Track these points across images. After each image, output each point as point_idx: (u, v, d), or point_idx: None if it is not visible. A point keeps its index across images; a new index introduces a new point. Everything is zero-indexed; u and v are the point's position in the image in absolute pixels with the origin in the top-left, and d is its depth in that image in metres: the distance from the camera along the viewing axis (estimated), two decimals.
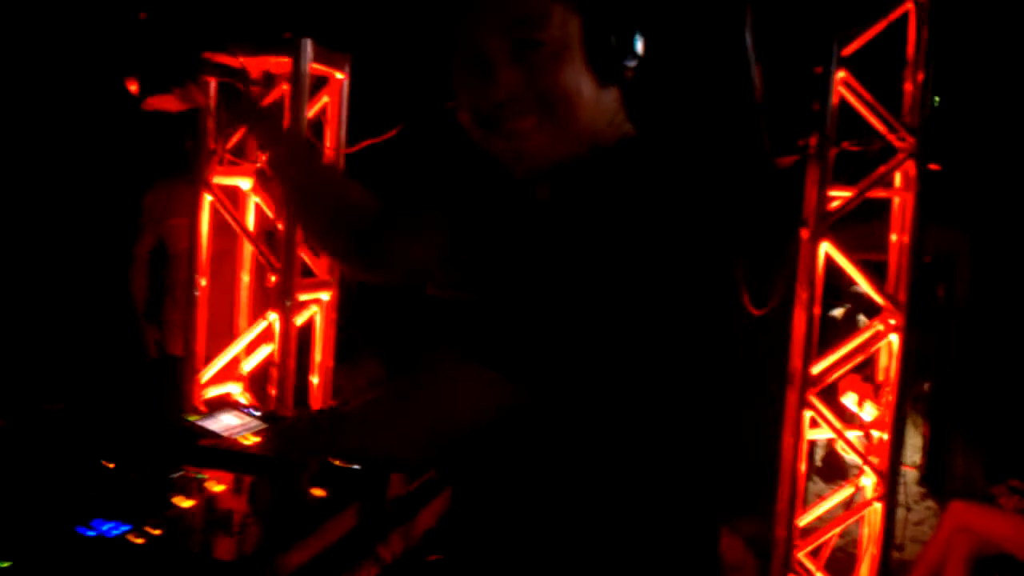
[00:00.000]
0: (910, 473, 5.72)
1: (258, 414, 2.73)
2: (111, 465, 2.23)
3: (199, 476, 2.21)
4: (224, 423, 2.63)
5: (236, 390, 4.20)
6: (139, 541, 1.80)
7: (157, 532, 1.85)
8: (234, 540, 1.88)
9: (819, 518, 4.47)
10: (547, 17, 1.64)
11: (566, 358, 1.53)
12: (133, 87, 3.67)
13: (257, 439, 2.50)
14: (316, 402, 4.23)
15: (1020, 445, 5.28)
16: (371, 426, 1.71)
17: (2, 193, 4.25)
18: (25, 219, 4.26)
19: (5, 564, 1.65)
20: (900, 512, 4.59)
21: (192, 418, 2.62)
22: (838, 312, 6.43)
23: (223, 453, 2.39)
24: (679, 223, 1.60)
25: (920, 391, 6.23)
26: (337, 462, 2.26)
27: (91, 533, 1.82)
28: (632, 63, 1.71)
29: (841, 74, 4.12)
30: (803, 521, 4.36)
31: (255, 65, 3.97)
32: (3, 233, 4.27)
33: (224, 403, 3.08)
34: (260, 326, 4.03)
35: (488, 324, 1.55)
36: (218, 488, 2.14)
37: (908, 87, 4.23)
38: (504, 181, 1.79)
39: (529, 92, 1.66)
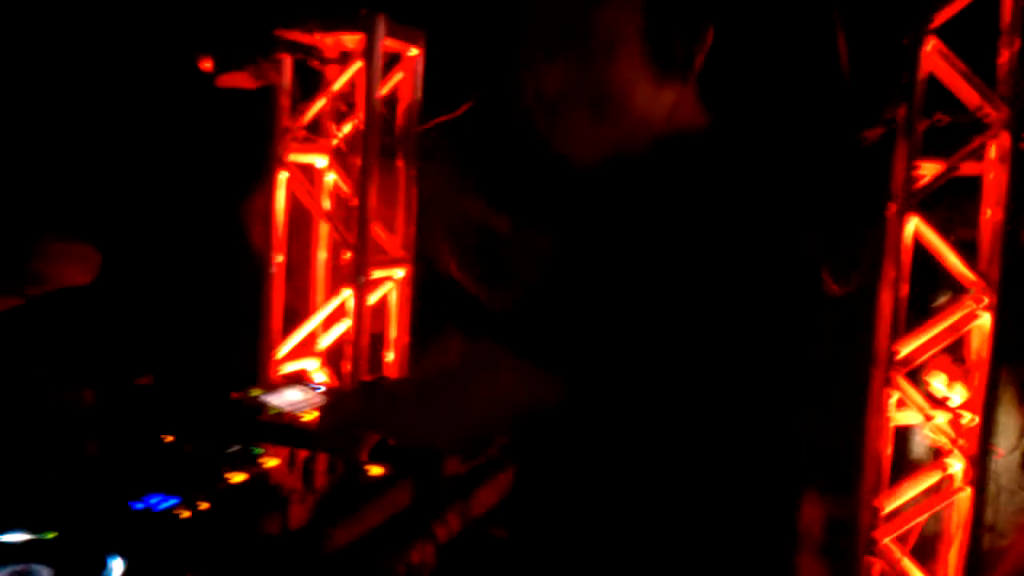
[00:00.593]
0: (1012, 457, 5.52)
1: (323, 389, 2.74)
2: (169, 439, 2.25)
3: (255, 450, 2.21)
4: (287, 398, 2.64)
5: (313, 366, 4.23)
6: (186, 515, 1.81)
7: (205, 506, 1.85)
8: (282, 515, 1.88)
9: (908, 502, 4.33)
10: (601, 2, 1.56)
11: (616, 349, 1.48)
12: (207, 64, 3.72)
13: (315, 414, 2.51)
14: (391, 376, 4.24)
15: None
16: (409, 413, 1.69)
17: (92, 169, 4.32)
18: (120, 190, 4.32)
19: (51, 535, 1.67)
20: (1003, 496, 4.43)
21: (255, 393, 2.64)
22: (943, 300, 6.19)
23: (279, 428, 2.40)
24: (750, 220, 1.54)
25: (1018, 374, 6.01)
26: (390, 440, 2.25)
27: (140, 506, 1.83)
28: (699, 54, 1.62)
29: (931, 44, 3.95)
30: (890, 506, 4.23)
31: (329, 42, 3.98)
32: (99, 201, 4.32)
33: (293, 379, 3.10)
34: (334, 302, 4.05)
35: (533, 319, 1.52)
36: (272, 463, 2.14)
37: (1003, 57, 4.03)
38: (561, 170, 1.73)
39: (579, 87, 1.59)
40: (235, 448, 2.22)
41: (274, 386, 2.74)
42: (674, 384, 1.56)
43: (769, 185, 1.64)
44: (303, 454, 2.24)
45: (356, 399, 1.89)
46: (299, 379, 3.06)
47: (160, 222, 4.52)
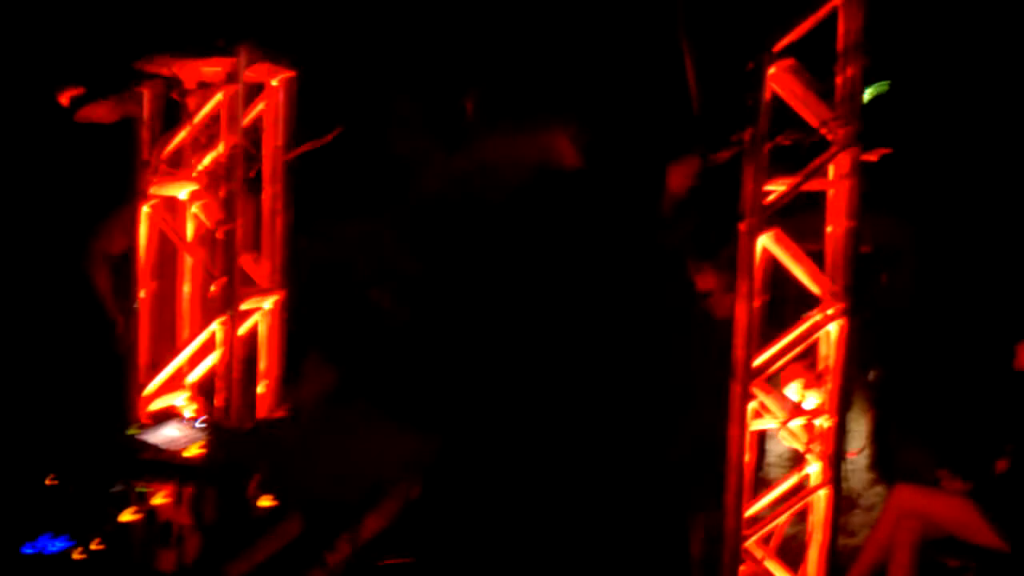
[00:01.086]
0: (860, 460, 5.80)
1: (201, 426, 2.72)
2: (53, 481, 2.21)
3: (140, 489, 2.20)
4: (166, 435, 2.62)
5: (182, 401, 4.15)
6: (81, 557, 1.79)
7: (99, 547, 1.83)
8: (176, 552, 1.88)
9: (769, 506, 4.51)
10: None
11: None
12: (65, 98, 3.65)
13: (198, 450, 2.49)
14: (263, 411, 4.19)
15: (965, 431, 5.37)
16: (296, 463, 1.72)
17: None
18: None
19: None
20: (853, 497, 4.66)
21: (133, 431, 2.61)
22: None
23: (163, 465, 2.38)
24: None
25: (865, 380, 6.32)
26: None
27: (32, 550, 1.80)
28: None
29: (774, 68, 4.16)
30: (751, 510, 4.41)
31: (190, 73, 3.94)
32: None
33: (167, 415, 3.06)
34: (204, 336, 3.99)
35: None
36: (159, 501, 2.13)
37: (840, 78, 4.28)
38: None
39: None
40: (119, 487, 2.20)
41: (150, 424, 2.71)
42: (550, 425, 1.63)
43: (633, 214, 1.74)
44: (189, 490, 2.23)
45: (246, 443, 1.91)
46: (173, 415, 3.02)
47: (16, 259, 4.39)
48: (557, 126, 4.04)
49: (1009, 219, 5.35)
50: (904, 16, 4.62)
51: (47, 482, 2.19)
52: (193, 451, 2.47)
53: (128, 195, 4.03)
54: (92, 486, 2.18)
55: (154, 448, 2.49)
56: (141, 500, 2.12)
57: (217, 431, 2.67)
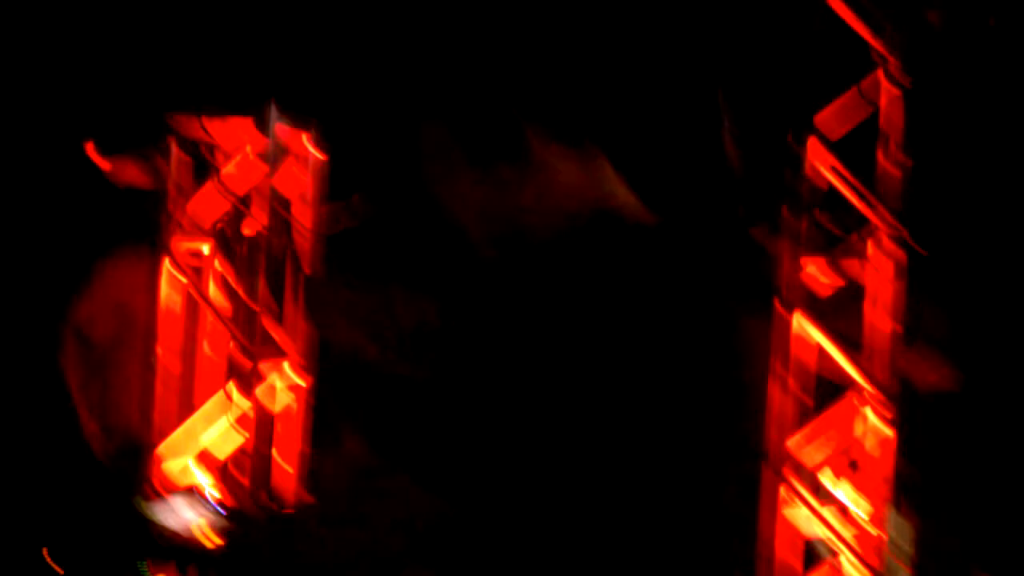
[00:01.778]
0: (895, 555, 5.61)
1: (218, 507, 2.61)
2: (60, 571, 2.10)
3: (143, 569, 2.08)
4: (176, 511, 2.50)
5: (193, 465, 4.03)
6: None
7: None
8: None
9: None
10: None
11: None
12: (94, 152, 3.60)
13: (215, 537, 2.38)
14: (289, 492, 4.03)
15: (997, 529, 5.18)
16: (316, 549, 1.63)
17: None
18: None
19: None
20: None
21: (142, 504, 2.50)
22: None
23: (170, 546, 2.26)
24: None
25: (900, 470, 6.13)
26: None
27: None
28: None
29: (814, 143, 4.07)
30: None
31: (219, 131, 3.89)
32: None
33: (184, 493, 2.95)
34: (219, 400, 3.88)
35: None
36: None
37: (880, 157, 4.18)
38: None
39: None
40: (123, 563, 2.08)
41: (161, 497, 2.60)
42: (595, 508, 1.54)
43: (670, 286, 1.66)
44: (192, 572, 2.12)
45: (261, 530, 1.81)
46: (186, 489, 2.90)
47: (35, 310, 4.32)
48: (610, 167, 3.85)
49: None
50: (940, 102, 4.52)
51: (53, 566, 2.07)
52: (204, 532, 2.35)
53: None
54: (94, 562, 2.06)
55: (162, 525, 2.37)
56: None
57: (230, 514, 2.55)
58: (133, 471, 3.88)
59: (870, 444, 4.18)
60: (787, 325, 4.06)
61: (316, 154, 4.11)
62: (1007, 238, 4.77)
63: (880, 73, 4.12)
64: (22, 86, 3.77)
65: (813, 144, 4.07)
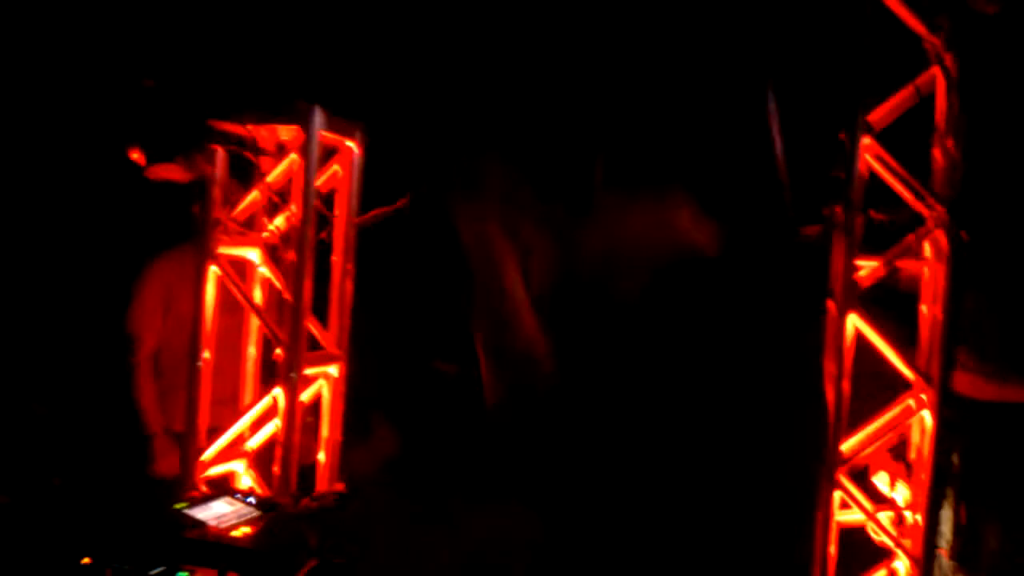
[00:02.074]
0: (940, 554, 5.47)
1: (252, 501, 2.59)
2: (87, 561, 2.09)
3: (182, 573, 2.06)
4: (215, 511, 2.49)
5: (240, 468, 4.04)
6: None
7: None
8: None
9: None
10: None
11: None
12: (137, 156, 3.61)
13: (248, 530, 2.36)
14: (323, 481, 4.06)
15: None
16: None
17: (6, 266, 4.16)
18: (27, 294, 4.17)
19: None
20: None
21: (180, 505, 2.48)
22: None
23: (208, 546, 2.25)
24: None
25: (950, 468, 5.99)
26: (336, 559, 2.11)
27: None
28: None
29: (867, 141, 3.98)
30: None
31: (264, 134, 3.89)
32: (6, 308, 4.18)
33: (219, 488, 2.94)
34: (264, 402, 3.89)
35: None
36: None
37: (937, 154, 4.09)
38: None
39: None
40: (159, 571, 2.06)
41: (200, 498, 2.58)
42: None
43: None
44: (233, 575, 2.09)
45: (300, 524, 1.78)
46: (226, 488, 2.89)
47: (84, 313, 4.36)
48: (683, 202, 3.76)
49: None
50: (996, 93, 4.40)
51: (82, 562, 2.06)
52: (242, 530, 2.33)
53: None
54: (131, 567, 2.05)
55: (200, 525, 2.35)
56: None
57: (269, 509, 2.53)
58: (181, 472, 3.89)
59: (926, 447, 4.08)
60: (842, 326, 3.97)
61: (359, 156, 4.11)
62: None
63: (936, 70, 4.02)
64: (67, 91, 3.82)
65: (867, 142, 3.98)
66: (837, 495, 4.01)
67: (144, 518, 2.41)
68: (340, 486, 3.74)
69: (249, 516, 2.46)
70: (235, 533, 2.33)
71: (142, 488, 3.43)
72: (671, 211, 3.54)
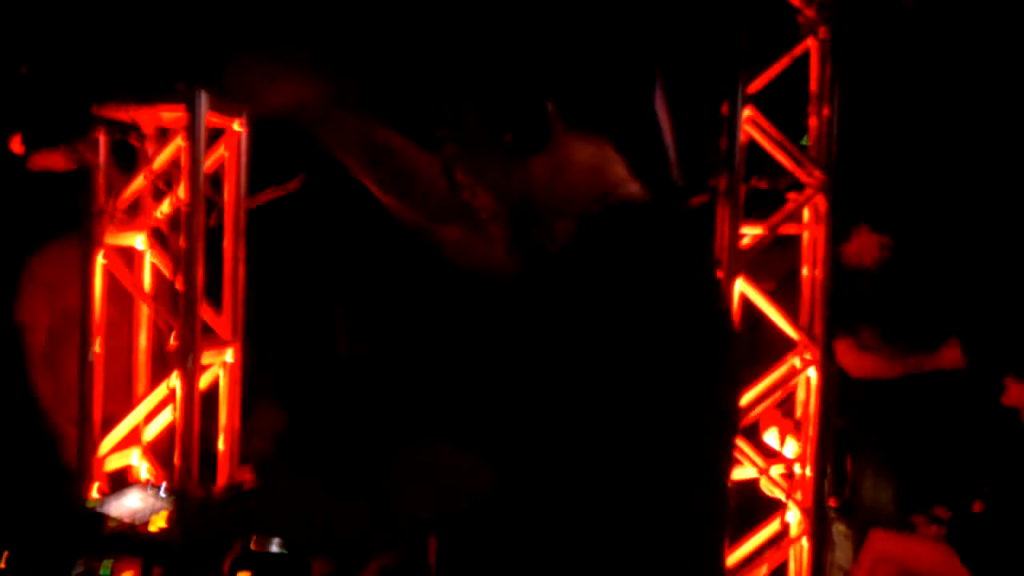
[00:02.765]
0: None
1: (163, 493, 2.54)
2: (4, 554, 2.04)
3: (103, 570, 2.03)
4: (128, 505, 2.44)
5: (136, 460, 3.97)
6: None
7: None
8: None
9: (747, 556, 4.41)
10: None
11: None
12: (17, 145, 3.48)
13: (162, 523, 2.32)
14: (223, 469, 4.01)
15: (931, 472, 5.31)
16: (307, 508, 1.61)
17: None
18: None
19: None
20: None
21: (91, 503, 2.43)
22: None
23: (128, 541, 2.21)
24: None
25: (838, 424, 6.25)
26: (255, 547, 2.10)
27: None
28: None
29: (747, 112, 4.11)
30: (730, 560, 4.30)
31: (147, 118, 3.79)
32: None
33: (128, 483, 2.88)
34: (161, 391, 3.82)
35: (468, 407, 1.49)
36: None
37: (813, 122, 4.25)
38: None
39: None
40: (81, 568, 2.02)
41: (109, 493, 2.53)
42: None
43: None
44: (158, 570, 2.07)
45: (216, 512, 1.78)
46: (134, 483, 2.83)
47: None
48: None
49: (995, 242, 5.31)
50: (869, 60, 4.59)
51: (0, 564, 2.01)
52: (158, 523, 2.29)
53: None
54: (51, 566, 2.01)
55: (117, 521, 2.31)
56: None
57: (183, 500, 2.49)
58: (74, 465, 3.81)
59: (812, 403, 4.26)
60: (729, 291, 4.11)
61: (246, 137, 4.04)
62: (940, 201, 4.89)
63: (811, 40, 4.18)
64: None
65: (747, 113, 4.11)
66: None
67: (56, 513, 2.36)
68: (248, 473, 3.70)
69: (163, 508, 2.42)
70: (152, 527, 2.29)
71: (45, 483, 3.34)
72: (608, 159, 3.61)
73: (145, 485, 2.62)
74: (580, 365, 1.49)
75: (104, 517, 2.34)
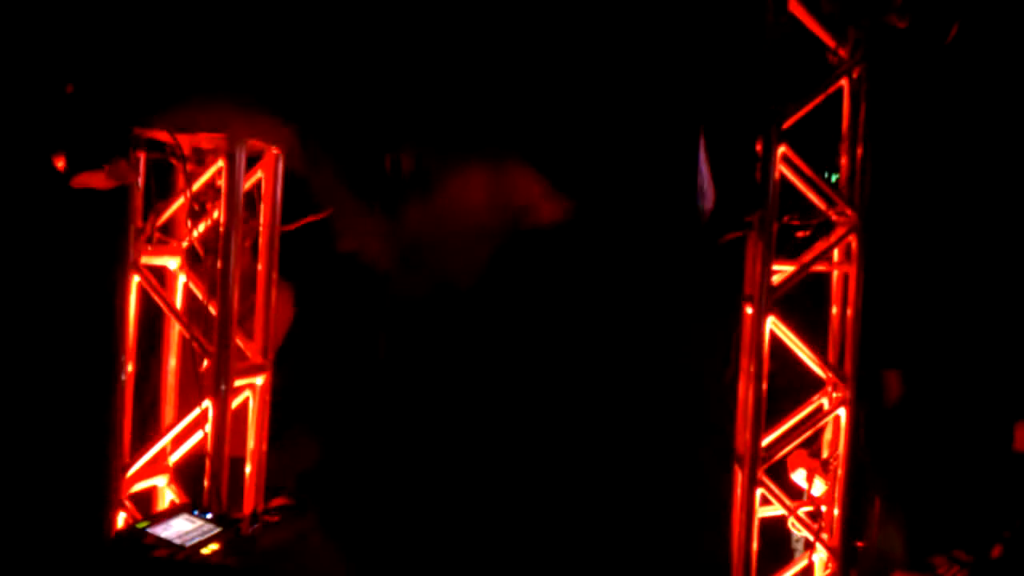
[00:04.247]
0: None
1: (210, 516, 2.54)
2: None
3: None
4: (176, 529, 2.43)
5: (162, 483, 3.94)
6: None
7: None
8: None
9: None
10: None
11: None
12: (60, 163, 3.48)
13: (215, 547, 2.31)
14: (250, 492, 3.98)
15: (942, 518, 5.27)
16: None
17: None
18: None
19: None
20: None
21: (142, 524, 2.42)
22: None
23: (181, 565, 2.20)
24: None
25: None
26: None
27: None
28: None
29: (781, 149, 4.11)
30: None
31: (188, 140, 3.80)
32: None
33: (176, 506, 2.87)
34: (193, 415, 3.80)
35: None
36: None
37: (844, 161, 4.26)
38: None
39: None
40: None
41: (159, 516, 2.53)
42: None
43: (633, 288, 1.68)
44: None
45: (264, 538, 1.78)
46: (183, 507, 2.82)
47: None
48: (520, 171, 3.81)
49: (1006, 298, 5.31)
50: (904, 101, 4.60)
51: None
52: (210, 548, 2.29)
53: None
54: None
55: (166, 544, 2.30)
56: None
57: (228, 525, 2.49)
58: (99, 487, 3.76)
59: (841, 443, 4.24)
60: (761, 328, 4.10)
61: (283, 161, 4.05)
62: (970, 239, 4.88)
63: (844, 80, 4.19)
64: None
65: (781, 151, 4.11)
66: (759, 492, 4.13)
67: (106, 538, 2.35)
68: (284, 499, 3.66)
69: (212, 533, 2.41)
70: (204, 551, 2.29)
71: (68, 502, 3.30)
72: (507, 180, 3.62)
73: (192, 509, 2.61)
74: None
75: (154, 541, 2.33)
